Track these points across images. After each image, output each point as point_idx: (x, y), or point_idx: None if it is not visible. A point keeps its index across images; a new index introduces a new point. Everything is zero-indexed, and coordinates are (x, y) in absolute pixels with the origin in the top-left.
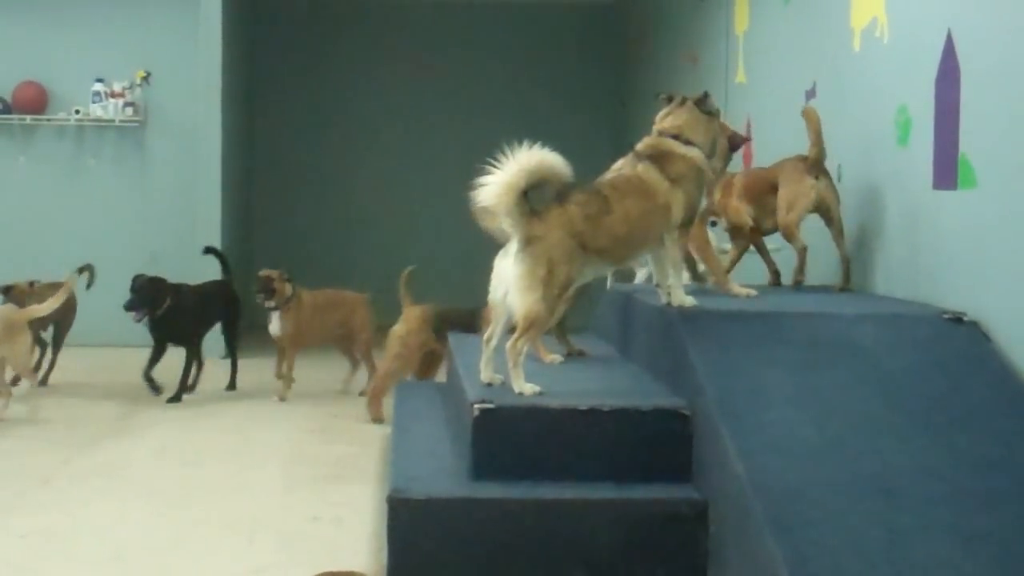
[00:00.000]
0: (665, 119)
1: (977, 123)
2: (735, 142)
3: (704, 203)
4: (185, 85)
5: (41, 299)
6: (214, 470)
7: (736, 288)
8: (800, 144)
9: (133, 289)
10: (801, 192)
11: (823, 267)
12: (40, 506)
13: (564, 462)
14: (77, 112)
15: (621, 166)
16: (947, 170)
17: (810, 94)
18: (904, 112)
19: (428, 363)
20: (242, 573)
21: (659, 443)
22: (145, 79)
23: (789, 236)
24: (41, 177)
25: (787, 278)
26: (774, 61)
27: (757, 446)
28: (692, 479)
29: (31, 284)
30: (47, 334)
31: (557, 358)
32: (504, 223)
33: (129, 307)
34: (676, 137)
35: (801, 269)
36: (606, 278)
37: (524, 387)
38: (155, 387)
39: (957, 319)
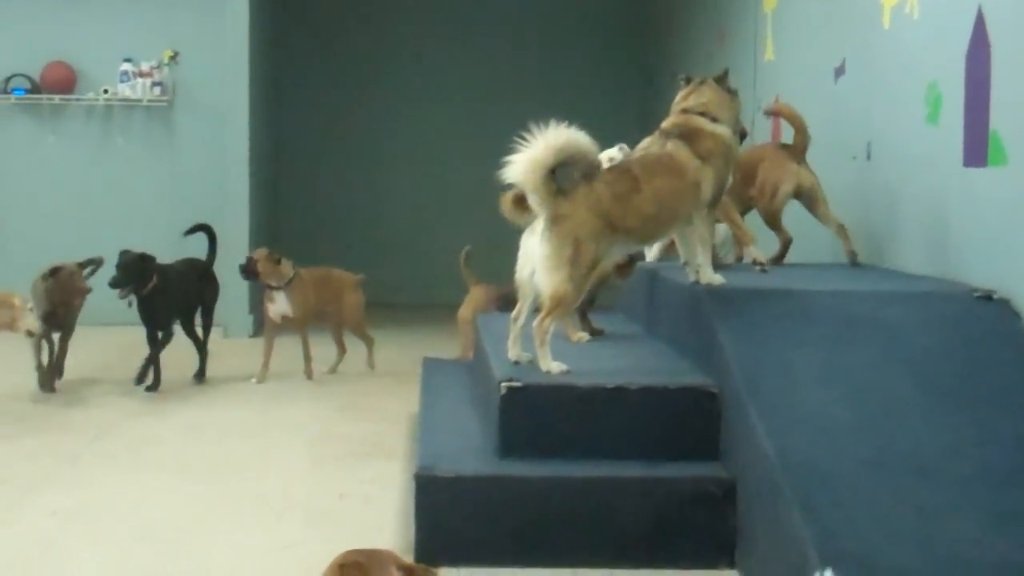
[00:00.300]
0: (688, 98)
1: (1008, 100)
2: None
3: (730, 180)
4: (213, 64)
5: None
6: (242, 448)
7: (756, 253)
8: (829, 122)
9: (118, 265)
10: (785, 177)
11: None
12: (69, 484)
13: (591, 440)
14: (105, 92)
15: (648, 144)
16: (977, 147)
17: (839, 71)
18: (934, 89)
19: None
20: (270, 550)
21: (687, 421)
22: (173, 59)
23: (774, 224)
24: (70, 157)
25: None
26: (803, 38)
27: (785, 424)
28: (720, 458)
29: (81, 265)
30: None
31: (584, 336)
32: (531, 200)
33: (113, 284)
34: (703, 115)
35: (780, 258)
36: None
37: (551, 366)
38: (142, 378)
39: (987, 297)
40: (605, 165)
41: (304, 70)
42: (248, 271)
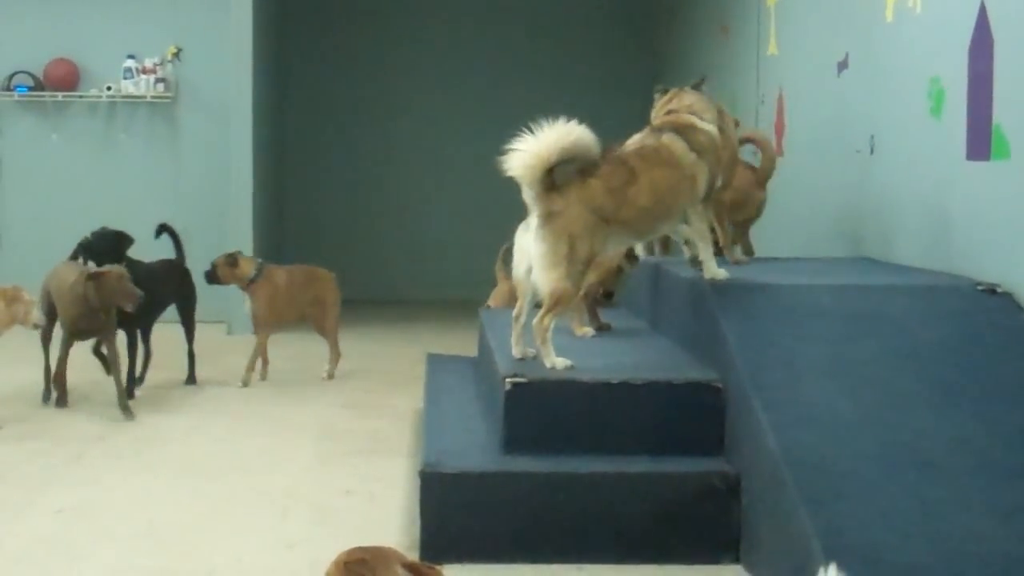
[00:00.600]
0: (671, 102)
1: (1010, 93)
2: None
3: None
4: (216, 61)
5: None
6: (246, 446)
7: (738, 255)
8: (832, 116)
9: (93, 233)
10: (750, 202)
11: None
12: (75, 483)
13: (596, 435)
14: (109, 88)
15: (641, 139)
16: (980, 141)
17: (842, 65)
18: (937, 83)
19: None
20: (275, 547)
21: (691, 416)
22: (176, 55)
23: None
24: (73, 154)
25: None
26: (806, 33)
27: (790, 419)
28: (724, 452)
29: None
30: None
31: (589, 331)
32: (525, 195)
33: (81, 247)
34: (691, 114)
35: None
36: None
37: (556, 361)
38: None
39: (991, 290)
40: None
41: (308, 66)
42: (210, 276)
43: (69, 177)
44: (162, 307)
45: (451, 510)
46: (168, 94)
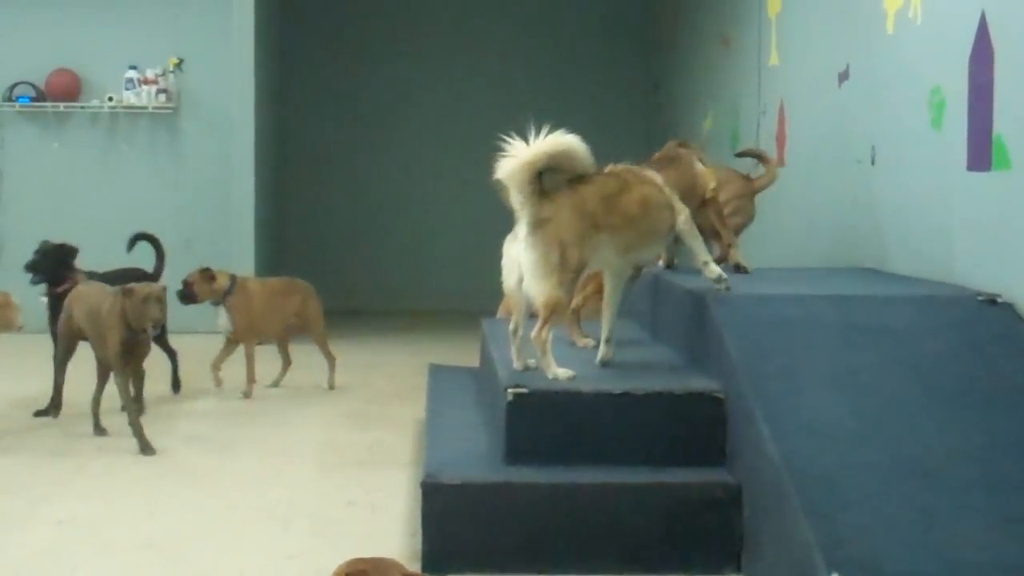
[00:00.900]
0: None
1: (1011, 104)
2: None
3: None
4: (218, 72)
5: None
6: (248, 457)
7: (740, 257)
8: (833, 126)
9: (36, 251)
10: (742, 209)
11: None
12: (75, 494)
13: (598, 446)
14: (110, 99)
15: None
16: (981, 151)
17: (843, 76)
18: (937, 93)
19: None
20: (277, 559)
21: (693, 427)
22: (178, 66)
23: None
24: (75, 164)
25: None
26: (807, 44)
27: (791, 429)
28: (726, 463)
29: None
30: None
31: (590, 342)
32: (514, 200)
33: (28, 267)
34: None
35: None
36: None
37: (557, 372)
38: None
39: (991, 301)
40: None
41: (310, 76)
42: (185, 295)
43: (70, 188)
44: None
45: (453, 521)
46: (169, 105)
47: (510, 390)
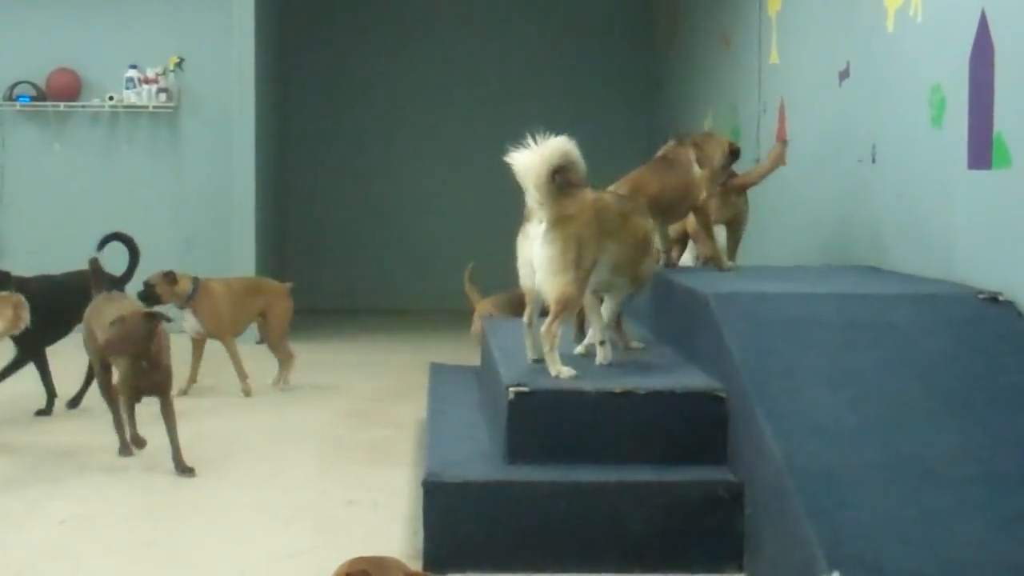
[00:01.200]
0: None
1: (1012, 102)
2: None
3: None
4: (218, 71)
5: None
6: (249, 455)
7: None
8: (834, 125)
9: None
10: (724, 204)
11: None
12: (77, 492)
13: (599, 445)
14: (111, 98)
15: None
16: (982, 149)
17: (844, 74)
18: (938, 92)
19: None
20: (278, 557)
21: (694, 425)
22: (178, 65)
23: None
24: (75, 164)
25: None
26: (808, 42)
27: (793, 428)
28: (728, 461)
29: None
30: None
31: (639, 345)
32: (531, 198)
33: None
34: None
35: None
36: None
37: (561, 370)
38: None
39: (993, 299)
40: None
41: (310, 75)
42: (148, 297)
43: (71, 187)
44: (66, 328)
45: (454, 520)
46: (170, 104)
47: (511, 389)
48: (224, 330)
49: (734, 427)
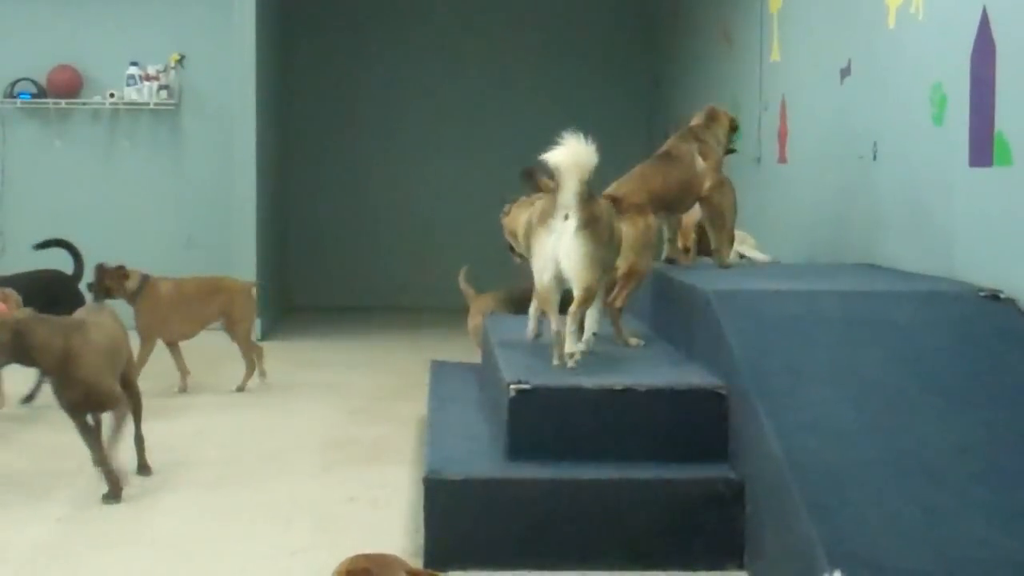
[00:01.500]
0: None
1: (1013, 100)
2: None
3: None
4: (220, 68)
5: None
6: (250, 453)
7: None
8: (835, 122)
9: None
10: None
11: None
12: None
13: (600, 442)
14: (112, 96)
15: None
16: (983, 147)
17: (845, 72)
18: (939, 90)
19: None
20: (279, 555)
21: (695, 423)
22: (179, 62)
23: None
24: (76, 161)
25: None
26: (809, 39)
27: (794, 425)
28: (728, 459)
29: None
30: None
31: (640, 342)
32: (572, 193)
33: None
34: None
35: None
36: None
37: (575, 348)
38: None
39: (994, 296)
40: None
41: (312, 72)
42: (97, 289)
43: (72, 184)
44: None
45: (455, 517)
46: (171, 101)
47: (512, 386)
48: (154, 332)
49: (735, 424)
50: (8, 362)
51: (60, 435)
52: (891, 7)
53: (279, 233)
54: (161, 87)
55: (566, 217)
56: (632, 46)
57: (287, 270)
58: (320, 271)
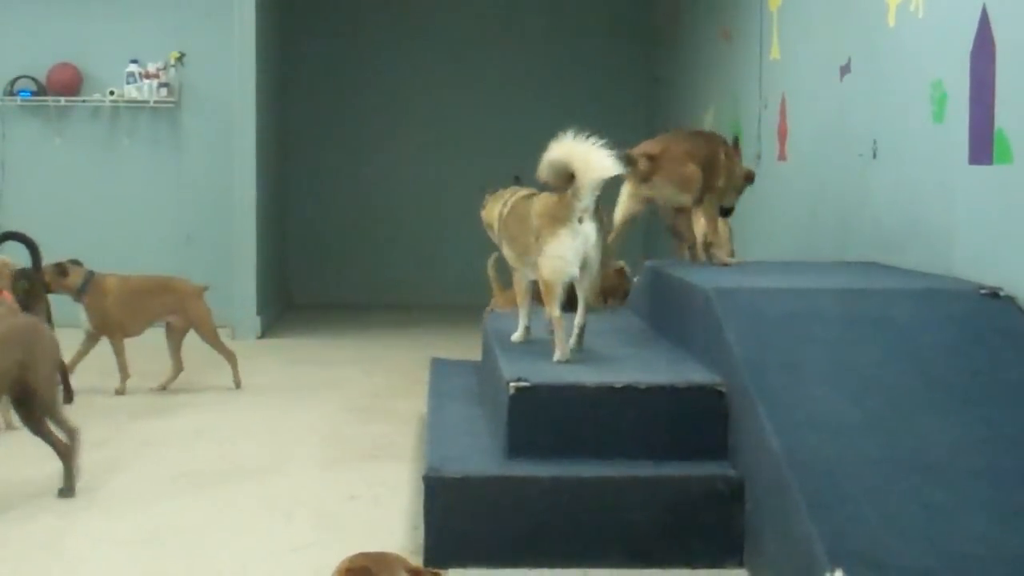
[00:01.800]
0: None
1: (1013, 98)
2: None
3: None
4: (220, 65)
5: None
6: (251, 450)
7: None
8: (835, 120)
9: None
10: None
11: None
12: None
13: (600, 440)
14: (112, 93)
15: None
16: (983, 145)
17: (845, 69)
18: (939, 87)
19: None
20: (279, 552)
21: (695, 420)
22: (179, 60)
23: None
24: (76, 159)
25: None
26: (809, 37)
27: (793, 423)
28: (728, 456)
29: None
30: None
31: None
32: (592, 196)
33: None
34: None
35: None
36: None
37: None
38: None
39: (993, 294)
40: None
41: (312, 70)
42: (28, 282)
43: (72, 182)
44: None
45: (455, 515)
46: (171, 99)
47: (512, 384)
48: (111, 328)
49: (734, 422)
50: None
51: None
52: (891, 5)
53: (279, 230)
54: (161, 85)
55: (581, 220)
56: (632, 44)
57: (287, 267)
58: (320, 268)
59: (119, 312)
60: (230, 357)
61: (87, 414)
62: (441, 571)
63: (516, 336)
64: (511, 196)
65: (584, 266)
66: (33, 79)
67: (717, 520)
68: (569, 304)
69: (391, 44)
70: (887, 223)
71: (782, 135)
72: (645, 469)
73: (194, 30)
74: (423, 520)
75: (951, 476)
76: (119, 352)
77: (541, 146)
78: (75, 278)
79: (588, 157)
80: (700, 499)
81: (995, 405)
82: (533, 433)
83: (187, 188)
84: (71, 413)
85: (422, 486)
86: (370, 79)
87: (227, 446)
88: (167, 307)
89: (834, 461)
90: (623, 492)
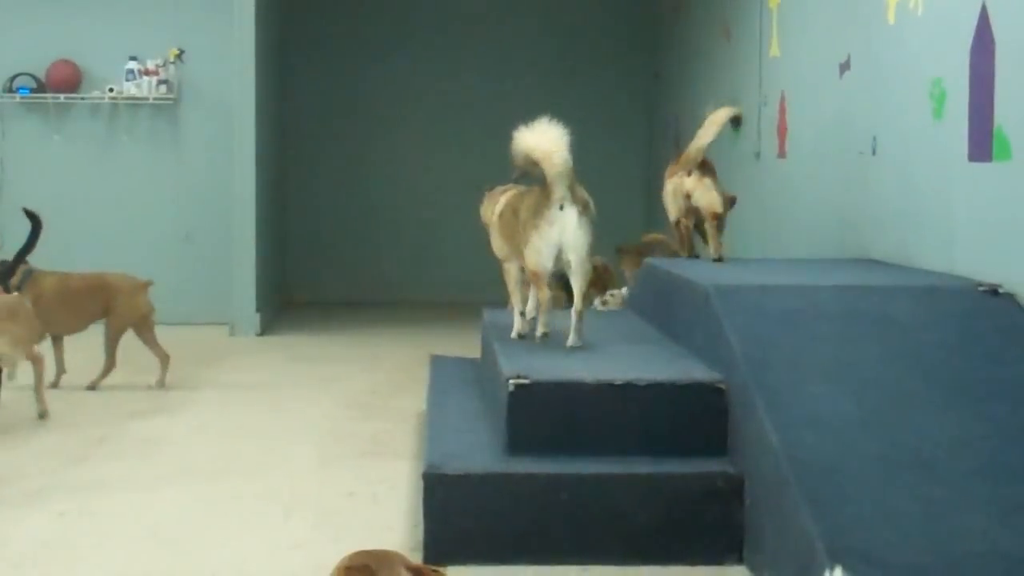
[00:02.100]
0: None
1: (1012, 95)
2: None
3: None
4: (219, 62)
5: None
6: (250, 447)
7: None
8: (835, 117)
9: None
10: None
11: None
12: (77, 484)
13: (599, 437)
14: (111, 90)
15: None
16: (982, 142)
17: (844, 67)
18: (939, 85)
19: None
20: (278, 549)
21: (695, 417)
22: (179, 57)
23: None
24: (75, 156)
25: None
26: (809, 34)
27: (793, 420)
28: (728, 453)
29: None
30: None
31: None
32: (563, 183)
33: None
34: None
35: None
36: None
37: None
38: None
39: (993, 291)
40: None
41: (311, 67)
42: None
43: (71, 179)
44: None
45: (454, 512)
46: (170, 96)
47: (511, 381)
48: (49, 327)
49: (734, 419)
50: None
51: (60, 432)
52: (891, 2)
53: (278, 228)
54: (160, 82)
55: (562, 207)
56: (633, 41)
57: (286, 265)
58: (319, 266)
59: (54, 310)
60: (163, 358)
61: (86, 410)
62: (441, 568)
63: (515, 331)
64: (507, 193)
65: (569, 250)
66: (32, 76)
67: (717, 517)
68: (567, 298)
69: (390, 41)
70: (886, 220)
71: (782, 132)
72: (645, 466)
73: (193, 27)
74: (422, 517)
75: (950, 473)
76: (58, 349)
77: None
78: (16, 277)
79: (547, 150)
80: (700, 496)
81: (994, 402)
82: (533, 430)
83: (186, 185)
84: (71, 410)
85: (422, 483)
86: (369, 75)
87: (225, 443)
88: (104, 305)
89: (833, 458)
90: (623, 489)
